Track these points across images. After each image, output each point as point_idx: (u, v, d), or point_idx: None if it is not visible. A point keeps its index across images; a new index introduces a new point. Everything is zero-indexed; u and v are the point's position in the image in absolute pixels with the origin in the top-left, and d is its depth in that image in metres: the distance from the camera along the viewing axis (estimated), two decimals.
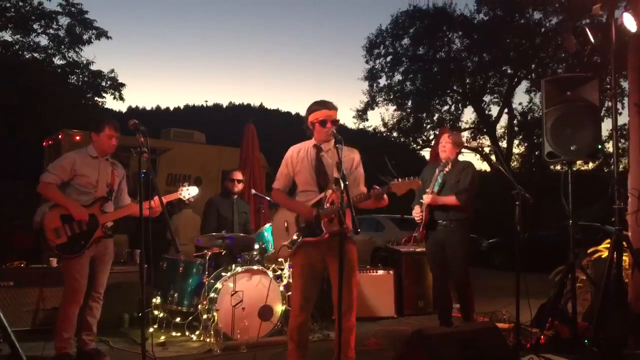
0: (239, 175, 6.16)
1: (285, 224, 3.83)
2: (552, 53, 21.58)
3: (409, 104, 25.73)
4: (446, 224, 5.15)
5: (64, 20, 20.17)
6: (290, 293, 5.42)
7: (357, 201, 3.59)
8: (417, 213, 5.33)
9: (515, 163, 25.27)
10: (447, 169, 5.10)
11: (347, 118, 44.29)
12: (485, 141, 24.45)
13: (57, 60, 20.91)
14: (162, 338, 5.06)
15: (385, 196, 3.62)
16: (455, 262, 5.14)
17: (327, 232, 3.64)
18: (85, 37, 20.41)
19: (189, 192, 4.66)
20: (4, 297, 5.13)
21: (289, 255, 3.88)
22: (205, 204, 6.22)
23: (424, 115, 25.82)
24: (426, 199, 5.18)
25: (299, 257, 3.77)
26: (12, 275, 5.30)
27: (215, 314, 4.92)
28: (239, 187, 6.13)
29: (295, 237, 3.75)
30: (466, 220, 5.16)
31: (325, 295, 4.26)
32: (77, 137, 9.28)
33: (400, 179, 3.53)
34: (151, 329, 4.99)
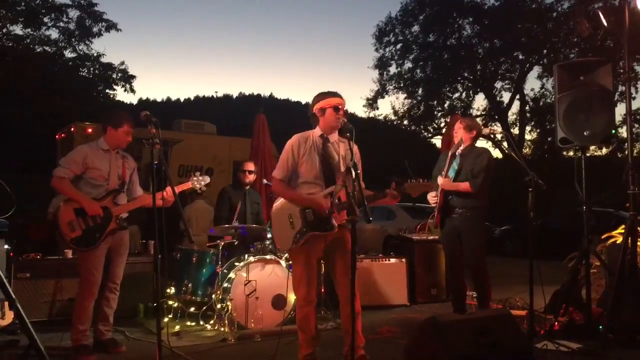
0: (251, 166, 6.17)
1: (290, 218, 3.70)
2: (564, 38, 21.40)
3: (420, 91, 25.68)
4: (462, 212, 5.08)
5: (73, 13, 20.34)
6: None
7: (371, 199, 3.58)
8: (432, 197, 5.29)
9: (527, 149, 25.15)
10: (459, 150, 5.04)
11: (357, 107, 44.24)
12: (497, 128, 24.29)
13: (68, 53, 21.13)
14: (177, 328, 5.11)
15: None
16: (471, 250, 5.08)
17: (337, 227, 3.64)
18: (95, 29, 20.58)
19: (200, 181, 4.66)
20: (21, 288, 5.19)
21: (291, 249, 3.75)
22: (218, 194, 6.25)
23: (435, 102, 25.78)
24: (440, 182, 5.16)
25: (301, 249, 3.70)
26: (29, 266, 5.36)
27: (229, 303, 4.95)
28: (250, 178, 6.14)
29: (303, 230, 3.67)
30: (482, 208, 5.09)
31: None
32: (89, 130, 9.31)
33: (414, 180, 3.54)
34: (166, 319, 5.04)
